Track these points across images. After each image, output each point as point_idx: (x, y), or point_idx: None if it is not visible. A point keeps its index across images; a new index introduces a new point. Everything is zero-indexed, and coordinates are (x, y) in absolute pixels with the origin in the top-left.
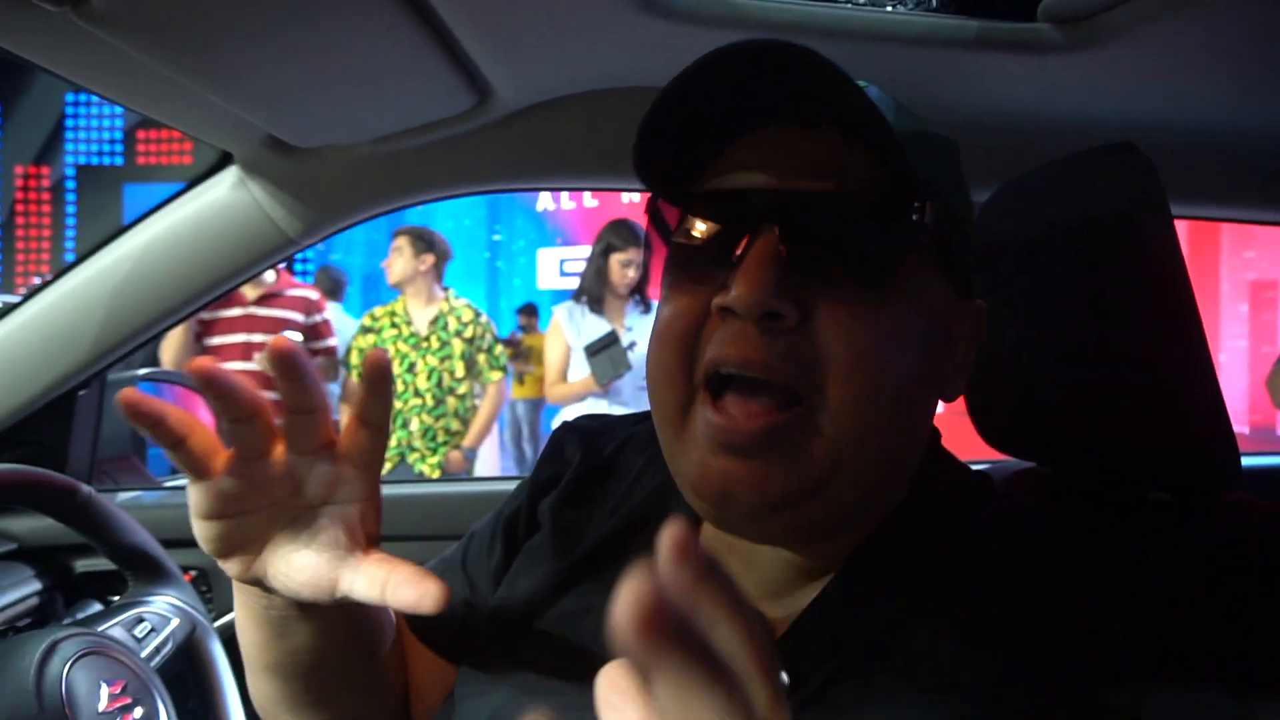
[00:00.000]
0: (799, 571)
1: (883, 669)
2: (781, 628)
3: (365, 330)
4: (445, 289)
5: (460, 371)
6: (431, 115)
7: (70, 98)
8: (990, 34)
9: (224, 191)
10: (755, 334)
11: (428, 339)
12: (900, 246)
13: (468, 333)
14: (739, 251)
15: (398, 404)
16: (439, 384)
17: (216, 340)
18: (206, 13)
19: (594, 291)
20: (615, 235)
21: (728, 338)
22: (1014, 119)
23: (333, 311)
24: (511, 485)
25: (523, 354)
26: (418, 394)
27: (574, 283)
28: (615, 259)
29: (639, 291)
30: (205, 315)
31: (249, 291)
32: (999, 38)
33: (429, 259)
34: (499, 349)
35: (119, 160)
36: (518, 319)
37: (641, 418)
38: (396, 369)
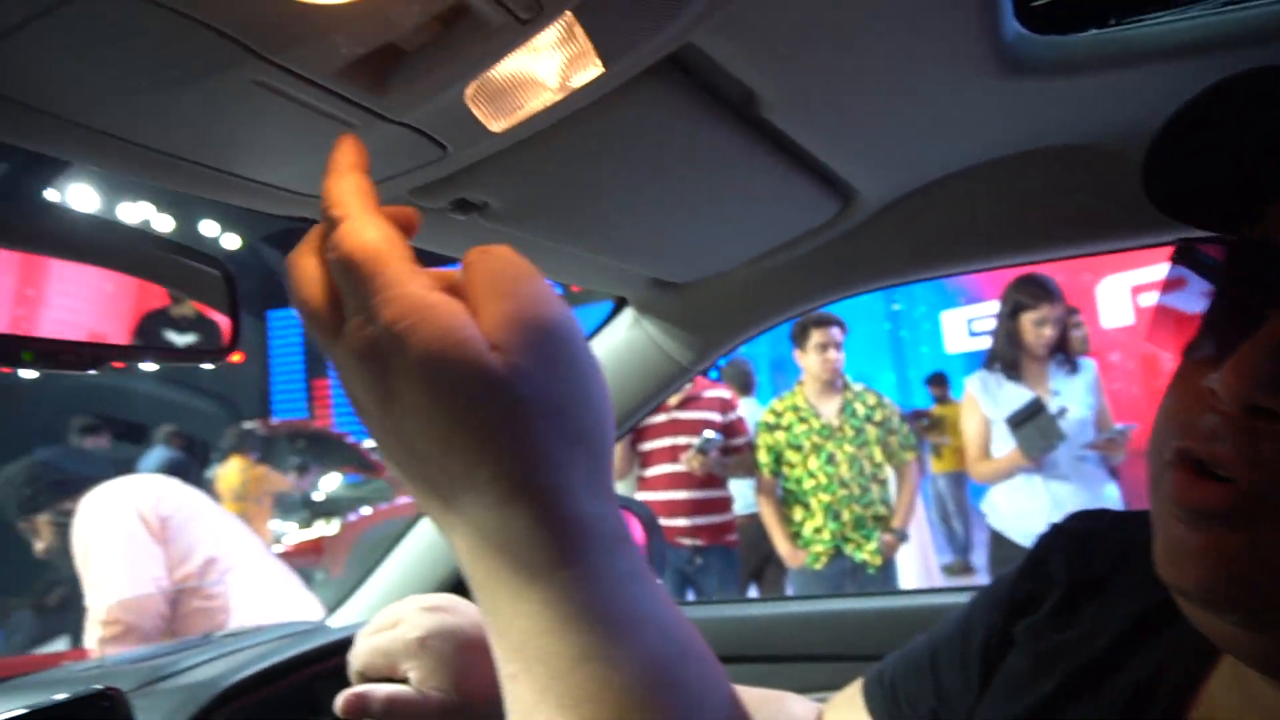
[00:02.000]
0: None
1: None
2: None
3: (770, 427)
4: (842, 375)
5: (879, 456)
6: (799, 228)
7: None
8: None
9: (623, 332)
10: (1236, 427)
11: (840, 428)
12: None
13: (877, 416)
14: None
15: (825, 496)
16: (861, 472)
17: (647, 445)
18: (586, 191)
19: (1007, 356)
20: (1023, 293)
21: (1205, 423)
22: None
23: (745, 406)
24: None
25: (937, 426)
26: (843, 484)
27: (985, 342)
28: (1027, 319)
29: (1061, 350)
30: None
31: (671, 398)
32: None
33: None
34: (906, 429)
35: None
36: (929, 390)
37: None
38: (815, 463)
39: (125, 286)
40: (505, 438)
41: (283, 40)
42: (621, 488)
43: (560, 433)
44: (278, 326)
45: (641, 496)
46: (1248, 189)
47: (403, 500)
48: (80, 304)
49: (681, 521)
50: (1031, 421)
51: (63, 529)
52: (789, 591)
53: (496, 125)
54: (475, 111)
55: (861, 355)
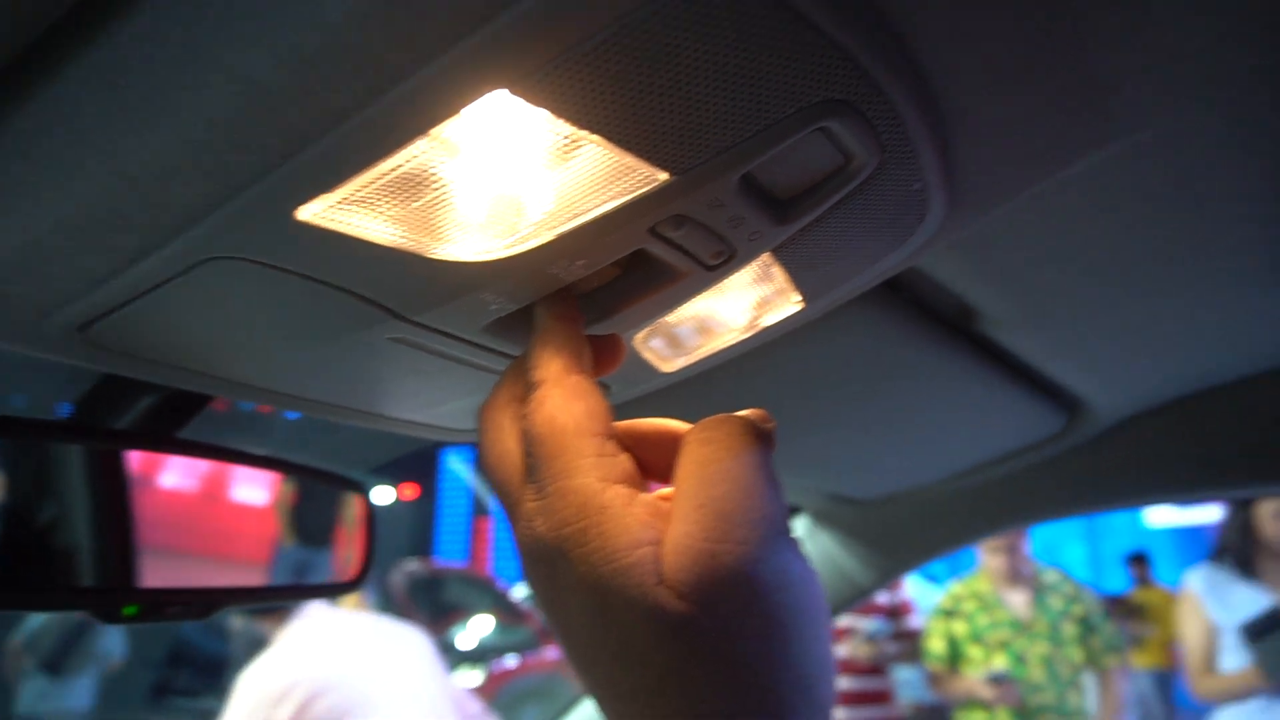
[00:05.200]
0: None
1: None
2: None
3: (947, 614)
4: (1031, 559)
5: (1078, 658)
6: (1014, 444)
7: None
8: None
9: None
10: None
11: (1032, 623)
12: None
13: (1076, 610)
14: None
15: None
16: (1057, 676)
17: None
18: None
19: (1240, 551)
20: None
21: None
22: None
23: (914, 585)
24: None
25: (1138, 614)
26: (1036, 689)
27: (1192, 516)
28: (1266, 509)
29: None
30: None
31: None
32: None
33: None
34: (1111, 627)
35: None
36: (1128, 569)
37: None
38: (1001, 661)
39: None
40: (670, 687)
41: (427, 300)
42: None
43: (742, 692)
44: (449, 463)
45: None
46: None
47: (551, 653)
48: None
49: (840, 715)
50: (1274, 634)
51: None
52: None
53: (668, 367)
54: (645, 355)
55: (1049, 530)
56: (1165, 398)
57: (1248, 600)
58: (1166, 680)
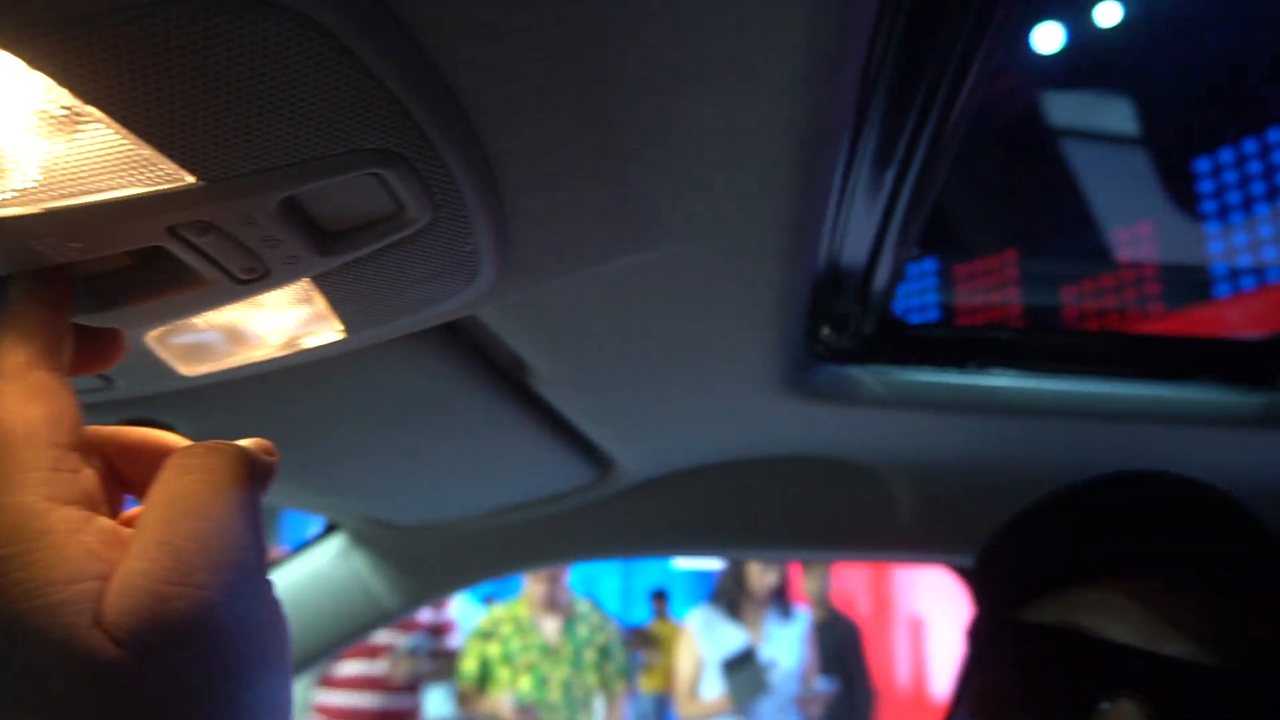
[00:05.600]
0: None
1: None
2: None
3: (484, 635)
4: (569, 590)
5: (593, 682)
6: (547, 491)
7: None
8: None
9: (329, 560)
10: None
11: (559, 649)
12: None
13: (599, 639)
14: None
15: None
16: (573, 699)
17: None
18: (299, 431)
19: (731, 596)
20: None
21: None
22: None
23: (458, 602)
24: None
25: (651, 643)
26: (552, 711)
27: (708, 563)
28: (754, 563)
29: (779, 597)
30: None
31: None
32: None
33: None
34: (623, 655)
35: None
36: (651, 604)
37: None
38: (526, 684)
39: None
40: None
41: None
42: (298, 686)
43: None
44: None
45: (320, 696)
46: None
47: None
48: None
49: None
50: (744, 668)
51: None
52: None
53: (188, 370)
54: (161, 353)
55: (590, 567)
56: (684, 465)
57: (732, 638)
58: (664, 703)
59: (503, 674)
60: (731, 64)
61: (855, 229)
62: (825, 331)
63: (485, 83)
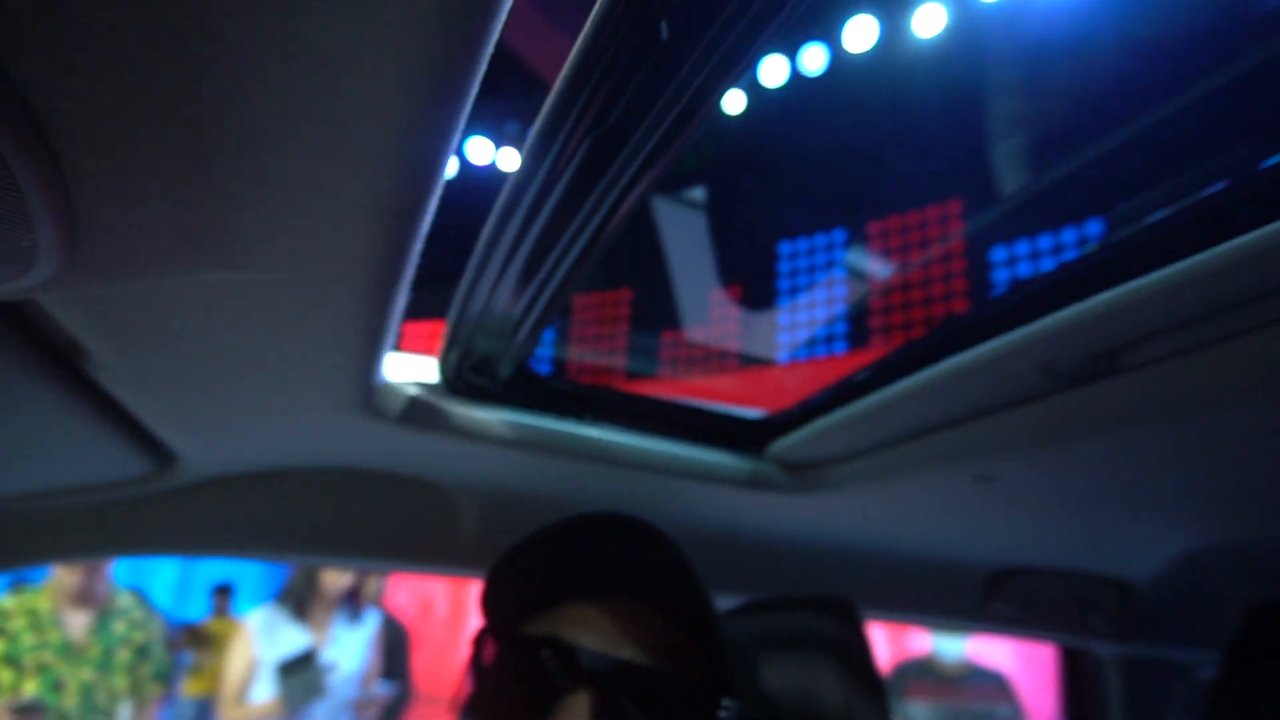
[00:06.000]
0: None
1: None
2: None
3: None
4: (110, 580)
5: (121, 686)
6: (93, 477)
7: None
8: (724, 469)
9: None
10: None
11: (85, 649)
12: None
13: (137, 637)
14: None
15: None
16: (93, 705)
17: None
18: None
19: (299, 596)
20: None
21: None
22: (744, 538)
23: None
24: None
25: (205, 642)
26: (60, 716)
27: None
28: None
29: (351, 600)
30: None
31: None
32: (733, 473)
33: None
34: (164, 656)
35: None
36: (211, 599)
37: None
38: (34, 687)
39: None
40: None
41: None
42: None
43: None
44: None
45: None
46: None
47: None
48: None
49: None
50: (300, 671)
51: None
52: None
53: None
54: None
55: None
56: (255, 468)
57: (293, 640)
58: (208, 708)
59: (4, 677)
60: (318, 130)
61: (505, 296)
62: (467, 369)
63: (62, 106)
